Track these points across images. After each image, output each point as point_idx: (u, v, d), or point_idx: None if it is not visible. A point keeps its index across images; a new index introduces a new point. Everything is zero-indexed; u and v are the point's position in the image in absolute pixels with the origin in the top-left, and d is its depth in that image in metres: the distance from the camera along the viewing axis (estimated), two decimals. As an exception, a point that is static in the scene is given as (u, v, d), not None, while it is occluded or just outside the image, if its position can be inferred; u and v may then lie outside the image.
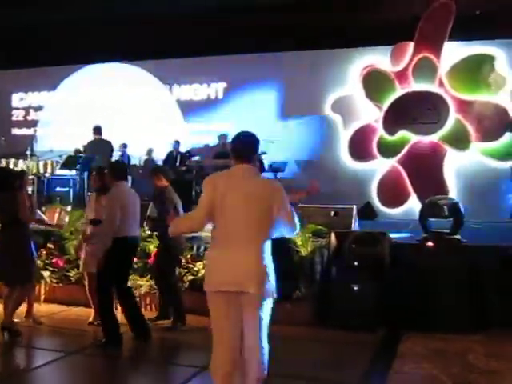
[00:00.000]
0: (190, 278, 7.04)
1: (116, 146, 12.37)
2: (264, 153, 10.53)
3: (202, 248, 7.26)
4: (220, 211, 3.71)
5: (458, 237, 6.78)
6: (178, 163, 12.09)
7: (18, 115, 15.28)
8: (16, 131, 15.01)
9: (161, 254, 6.60)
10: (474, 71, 11.29)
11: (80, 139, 12.64)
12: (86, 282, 6.61)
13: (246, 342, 3.67)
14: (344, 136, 12.30)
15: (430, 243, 6.71)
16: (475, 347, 5.66)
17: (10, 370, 5.16)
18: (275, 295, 3.73)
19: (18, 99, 15.30)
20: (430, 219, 7.02)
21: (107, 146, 11.29)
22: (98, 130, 11.36)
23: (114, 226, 5.69)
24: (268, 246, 3.72)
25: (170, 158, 12.32)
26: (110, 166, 6.43)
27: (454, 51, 11.46)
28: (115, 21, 13.14)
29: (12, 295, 5.94)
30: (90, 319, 6.52)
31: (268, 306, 3.72)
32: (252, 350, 3.65)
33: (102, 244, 5.81)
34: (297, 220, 3.75)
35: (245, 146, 3.86)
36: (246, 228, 3.67)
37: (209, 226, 3.83)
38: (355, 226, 7.67)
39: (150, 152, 12.92)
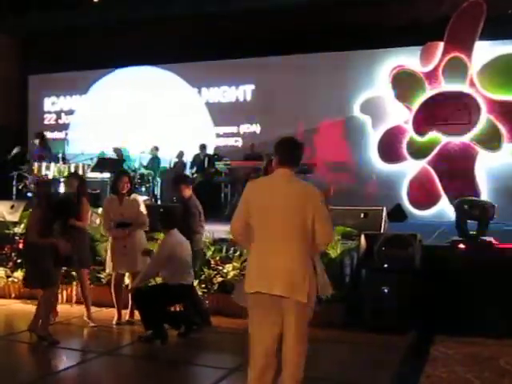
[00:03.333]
0: (220, 279, 7.06)
1: (147, 148, 12.54)
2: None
3: (232, 250, 7.27)
4: (258, 216, 3.74)
5: (489, 238, 6.68)
6: (205, 165, 12.14)
7: (49, 119, 15.53)
8: (48, 135, 15.22)
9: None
10: (506, 71, 11.12)
11: (110, 142, 12.83)
12: (113, 282, 6.71)
13: (285, 344, 3.68)
14: (373, 137, 12.23)
15: (461, 245, 6.62)
16: (508, 352, 5.56)
17: (42, 371, 5.22)
18: (304, 300, 3.66)
19: (50, 103, 15.55)
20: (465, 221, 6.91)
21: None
22: None
23: (154, 271, 6.04)
24: (307, 251, 3.70)
25: (196, 161, 12.39)
26: (165, 211, 6.47)
27: (485, 51, 11.32)
28: (143, 24, 13.30)
29: (40, 299, 5.99)
30: (115, 320, 6.58)
31: (308, 310, 3.73)
32: (290, 351, 3.67)
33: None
34: (331, 231, 3.77)
35: (286, 151, 3.85)
36: (284, 233, 3.68)
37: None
38: (385, 227, 7.60)
39: (180, 155, 13.02)
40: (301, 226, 3.68)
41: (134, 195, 6.80)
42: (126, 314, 6.66)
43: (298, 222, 3.68)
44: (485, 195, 10.84)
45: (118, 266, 6.58)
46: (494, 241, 6.68)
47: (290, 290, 3.62)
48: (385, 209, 7.83)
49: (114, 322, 6.58)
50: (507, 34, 11.17)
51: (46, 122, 15.53)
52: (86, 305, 6.56)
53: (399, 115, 11.98)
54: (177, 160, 13.00)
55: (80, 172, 11.30)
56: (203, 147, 12.52)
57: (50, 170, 11.02)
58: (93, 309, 6.79)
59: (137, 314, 6.48)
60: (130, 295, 6.49)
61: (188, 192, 6.71)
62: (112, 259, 6.56)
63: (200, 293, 6.92)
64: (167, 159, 13.12)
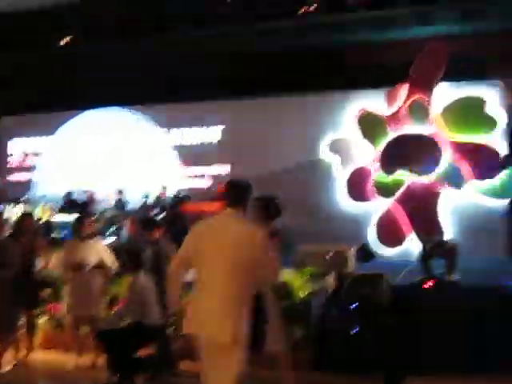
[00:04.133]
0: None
1: (112, 191, 12.48)
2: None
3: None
4: (199, 257, 3.76)
5: (455, 277, 6.77)
6: (168, 208, 12.05)
7: (15, 161, 15.36)
8: (13, 177, 15.08)
9: None
10: (467, 112, 11.44)
11: (76, 184, 12.75)
12: (70, 325, 6.61)
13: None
14: (341, 178, 12.38)
15: (428, 284, 6.68)
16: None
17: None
18: (247, 345, 3.68)
19: (15, 145, 15.40)
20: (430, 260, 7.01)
21: None
22: None
23: (126, 312, 5.92)
24: (247, 294, 3.70)
25: (159, 202, 12.29)
26: (132, 252, 6.38)
27: (446, 93, 11.63)
28: (112, 66, 13.39)
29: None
30: (72, 365, 6.47)
31: (240, 355, 3.68)
32: None
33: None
34: (274, 272, 3.80)
35: (231, 192, 3.95)
36: (222, 276, 3.66)
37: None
38: (353, 267, 7.65)
39: (146, 196, 12.91)
40: (241, 267, 3.67)
41: (96, 238, 6.77)
42: (85, 359, 6.56)
43: (238, 264, 3.68)
44: (450, 233, 11.01)
45: (76, 308, 6.49)
46: (459, 279, 6.77)
47: (218, 333, 3.61)
48: (352, 248, 7.90)
49: (70, 368, 6.45)
50: (468, 75, 11.56)
51: (10, 165, 15.34)
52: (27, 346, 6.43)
53: (365, 156, 12.17)
54: (143, 202, 12.91)
55: (47, 214, 11.23)
56: (165, 188, 12.49)
57: (16, 213, 10.86)
58: (58, 355, 6.66)
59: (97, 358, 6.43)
60: (91, 339, 6.40)
61: (157, 234, 6.66)
62: (70, 302, 6.48)
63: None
64: (134, 201, 13.03)
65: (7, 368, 6.29)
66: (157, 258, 6.37)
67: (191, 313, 3.76)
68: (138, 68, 13.30)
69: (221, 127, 13.69)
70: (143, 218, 7.81)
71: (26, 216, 7.03)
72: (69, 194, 12.30)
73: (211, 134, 13.77)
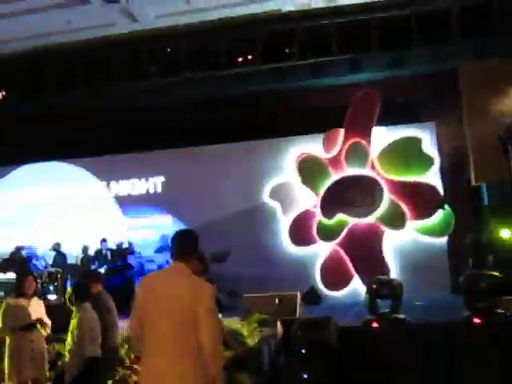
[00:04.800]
0: (135, 378, 6.76)
1: (49, 245, 12.18)
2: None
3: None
4: (145, 314, 3.51)
5: (401, 316, 6.85)
6: (108, 259, 11.84)
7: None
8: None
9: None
10: (402, 154, 11.80)
11: (14, 240, 12.38)
12: None
13: None
14: (283, 223, 12.46)
15: (374, 324, 6.74)
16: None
17: None
18: None
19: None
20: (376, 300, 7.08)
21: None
22: None
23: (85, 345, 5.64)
24: (196, 352, 3.36)
25: (99, 255, 12.06)
26: (73, 288, 6.21)
27: (382, 135, 12.00)
28: (48, 120, 13.24)
29: None
30: None
31: None
32: None
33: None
34: (213, 341, 3.37)
35: (178, 244, 3.68)
36: (169, 334, 3.42)
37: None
38: (301, 312, 7.64)
39: (85, 249, 12.59)
40: (186, 325, 3.40)
41: (34, 297, 6.54)
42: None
43: (183, 322, 3.41)
44: (393, 272, 11.19)
45: (26, 371, 6.14)
46: (406, 318, 6.86)
47: None
48: (299, 293, 7.91)
49: None
50: (401, 119, 11.99)
51: None
52: None
53: (307, 200, 12.32)
54: (83, 255, 12.60)
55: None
56: (104, 241, 12.26)
57: None
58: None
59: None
60: None
61: (96, 288, 6.43)
62: (16, 366, 6.13)
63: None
64: (74, 255, 12.71)
65: None
66: (98, 310, 6.18)
67: (143, 378, 3.53)
68: (74, 121, 13.20)
69: (161, 178, 13.62)
70: (83, 272, 7.54)
71: None
72: (16, 250, 11.85)
73: (151, 185, 13.69)
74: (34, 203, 13.85)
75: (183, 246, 3.67)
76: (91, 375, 5.63)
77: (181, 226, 12.09)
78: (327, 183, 12.11)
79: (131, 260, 11.61)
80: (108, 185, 13.92)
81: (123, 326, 7.23)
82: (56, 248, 12.20)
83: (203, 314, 3.37)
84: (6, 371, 6.16)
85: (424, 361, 6.46)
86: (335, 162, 12.17)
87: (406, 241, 11.64)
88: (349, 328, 7.04)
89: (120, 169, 13.72)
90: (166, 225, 13.08)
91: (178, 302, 3.42)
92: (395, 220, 11.62)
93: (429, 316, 7.76)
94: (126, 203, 13.66)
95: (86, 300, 5.94)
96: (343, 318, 7.59)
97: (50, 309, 6.75)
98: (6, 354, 6.19)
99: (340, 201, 11.84)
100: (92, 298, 6.38)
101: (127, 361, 6.95)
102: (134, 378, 6.76)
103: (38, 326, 6.20)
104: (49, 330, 6.35)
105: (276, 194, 12.59)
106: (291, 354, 6.52)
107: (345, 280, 11.76)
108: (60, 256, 12.21)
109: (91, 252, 12.22)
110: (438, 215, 11.46)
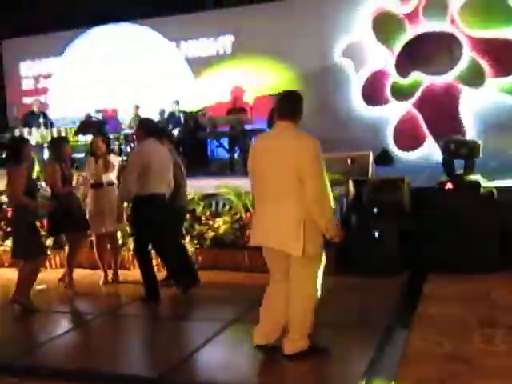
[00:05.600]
0: (211, 234, 7.09)
1: (129, 107, 12.36)
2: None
3: (221, 204, 7.29)
4: (254, 170, 3.97)
5: (476, 177, 6.72)
6: (182, 121, 11.91)
7: (27, 84, 15.23)
8: (27, 100, 14.96)
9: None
10: (487, 7, 10.99)
11: (91, 103, 12.66)
12: (95, 243, 6.75)
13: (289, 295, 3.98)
14: (356, 82, 12.12)
15: (448, 185, 6.65)
16: (498, 286, 5.68)
17: (43, 337, 5.25)
18: (299, 254, 3.81)
19: (26, 68, 15.21)
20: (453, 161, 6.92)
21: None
22: None
23: (127, 185, 5.68)
24: (302, 207, 3.78)
25: (172, 117, 12.14)
26: (139, 122, 6.36)
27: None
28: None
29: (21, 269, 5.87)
30: (102, 281, 6.67)
31: (311, 262, 3.89)
32: (292, 304, 3.97)
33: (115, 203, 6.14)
34: (317, 188, 3.74)
35: (284, 104, 3.95)
36: (275, 188, 3.82)
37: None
38: (373, 172, 7.62)
39: (162, 113, 12.78)
40: (292, 179, 3.75)
41: (110, 156, 6.80)
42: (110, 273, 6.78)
43: (289, 180, 3.76)
44: (470, 133, 10.86)
45: (98, 226, 6.58)
46: (480, 179, 6.72)
47: (280, 244, 3.87)
48: (371, 153, 7.83)
49: (101, 283, 6.66)
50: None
51: (24, 88, 15.24)
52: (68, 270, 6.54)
53: (381, 58, 11.86)
54: (159, 118, 12.79)
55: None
56: (177, 103, 12.31)
57: (33, 136, 10.87)
58: (86, 272, 6.84)
59: (122, 272, 6.79)
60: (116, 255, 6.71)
61: (165, 144, 6.35)
62: (91, 221, 6.56)
63: (193, 249, 6.96)
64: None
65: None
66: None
67: (255, 223, 4.08)
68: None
69: (230, 38, 13.28)
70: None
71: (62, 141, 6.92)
72: (86, 117, 12.15)
73: (221, 44, 13.40)
74: (105, 66, 13.96)
75: (290, 105, 3.95)
76: (143, 212, 5.72)
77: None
78: (403, 39, 11.55)
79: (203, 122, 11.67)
80: (178, 45, 13.73)
81: (197, 184, 7.50)
82: (135, 109, 12.38)
83: (308, 169, 3.72)
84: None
85: (496, 223, 6.39)
86: (412, 16, 11.50)
87: (484, 100, 11.12)
88: (422, 189, 6.99)
89: (189, 29, 13.43)
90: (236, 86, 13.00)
91: (285, 161, 3.76)
92: (474, 78, 11.08)
93: (504, 178, 7.56)
94: (196, 64, 13.50)
95: (150, 135, 5.88)
96: (416, 179, 7.51)
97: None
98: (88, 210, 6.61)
99: (416, 59, 11.35)
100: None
101: (203, 218, 7.25)
102: (211, 233, 7.09)
103: (110, 184, 6.54)
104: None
105: (348, 52, 12.14)
106: (363, 213, 6.59)
107: (418, 141, 11.56)
108: (137, 118, 12.44)
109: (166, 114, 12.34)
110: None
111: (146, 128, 5.98)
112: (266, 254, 4.08)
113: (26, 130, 11.13)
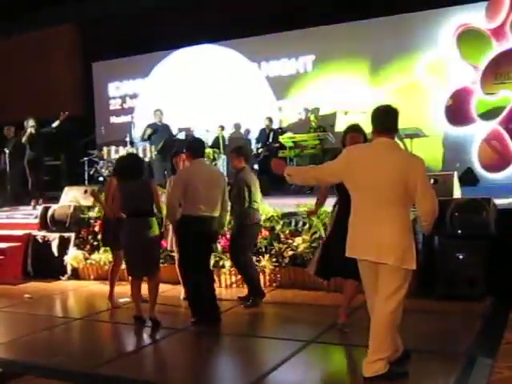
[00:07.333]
0: (290, 253, 7.09)
1: (214, 128, 12.62)
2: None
3: (301, 223, 7.28)
4: (360, 181, 3.90)
5: None
6: (270, 140, 12.12)
7: (115, 104, 15.84)
8: (114, 119, 15.58)
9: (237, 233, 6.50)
10: None
11: (175, 123, 13.00)
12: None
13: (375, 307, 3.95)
14: (439, 101, 11.85)
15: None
16: None
17: (129, 347, 5.40)
18: (413, 267, 3.86)
19: (114, 88, 15.84)
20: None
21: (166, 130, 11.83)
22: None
23: (171, 205, 5.75)
24: (406, 219, 3.86)
25: (263, 135, 12.36)
26: (186, 144, 6.42)
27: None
28: (197, 4, 13.27)
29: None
30: (182, 295, 6.68)
31: (403, 276, 3.86)
32: (377, 316, 3.93)
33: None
34: (432, 201, 3.84)
35: (384, 119, 3.94)
36: (382, 202, 3.81)
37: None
38: (457, 192, 7.40)
39: (247, 134, 12.92)
40: (399, 194, 3.80)
41: None
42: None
43: (401, 191, 3.80)
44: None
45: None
46: None
47: (400, 259, 3.81)
48: (456, 173, 7.62)
49: (181, 297, 6.71)
50: None
51: (111, 108, 15.86)
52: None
53: (466, 76, 11.55)
54: (243, 138, 12.91)
55: (148, 155, 11.56)
56: (270, 120, 12.46)
57: (119, 154, 11.28)
58: (168, 287, 6.99)
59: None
60: None
61: (238, 164, 6.49)
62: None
63: (271, 267, 6.98)
64: (232, 137, 13.16)
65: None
66: (236, 185, 6.37)
67: (353, 234, 3.99)
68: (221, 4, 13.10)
69: (311, 57, 13.31)
70: (234, 147, 7.64)
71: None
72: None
73: (301, 64, 13.45)
74: (189, 87, 14.31)
75: (389, 121, 3.96)
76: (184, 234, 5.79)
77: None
78: (489, 56, 11.22)
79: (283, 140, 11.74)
80: (259, 66, 13.89)
81: (276, 202, 7.53)
82: (218, 131, 12.64)
83: (422, 184, 3.80)
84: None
85: None
86: (499, 32, 11.16)
87: None
88: (509, 210, 6.73)
89: (269, 49, 13.56)
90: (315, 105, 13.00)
91: (393, 173, 3.80)
92: None
93: None
94: (277, 84, 13.61)
95: (197, 156, 5.93)
96: (502, 200, 7.23)
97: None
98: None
99: (503, 76, 10.99)
100: (234, 173, 6.59)
101: (282, 236, 7.26)
102: (290, 252, 7.09)
103: None
104: None
105: (431, 70, 11.90)
106: (447, 234, 6.41)
107: (505, 161, 11.15)
108: (219, 138, 12.66)
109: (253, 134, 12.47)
110: None
111: (191, 149, 6.02)
112: (363, 267, 4.03)
113: (113, 148, 11.60)
